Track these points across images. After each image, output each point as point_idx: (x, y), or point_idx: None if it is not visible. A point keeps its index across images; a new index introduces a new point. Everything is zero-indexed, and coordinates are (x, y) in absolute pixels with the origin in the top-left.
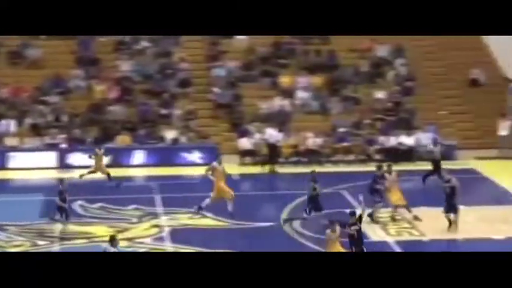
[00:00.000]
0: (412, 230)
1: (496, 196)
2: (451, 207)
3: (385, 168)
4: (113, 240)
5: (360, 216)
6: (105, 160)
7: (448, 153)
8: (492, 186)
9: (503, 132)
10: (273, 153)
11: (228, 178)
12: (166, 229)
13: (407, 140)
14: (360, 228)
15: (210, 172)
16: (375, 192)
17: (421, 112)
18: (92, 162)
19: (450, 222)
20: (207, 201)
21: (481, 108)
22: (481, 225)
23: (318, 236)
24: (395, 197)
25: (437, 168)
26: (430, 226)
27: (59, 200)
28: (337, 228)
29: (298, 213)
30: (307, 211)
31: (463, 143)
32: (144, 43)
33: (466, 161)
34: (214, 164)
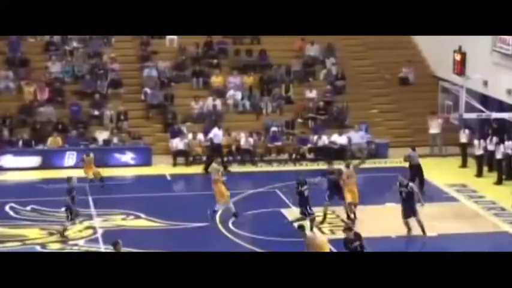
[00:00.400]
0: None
1: (428, 193)
2: (408, 212)
3: (336, 166)
4: (116, 244)
5: (359, 234)
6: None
7: (380, 152)
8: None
9: (433, 130)
10: (217, 153)
11: (161, 179)
12: (100, 231)
13: (340, 139)
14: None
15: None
16: (333, 188)
17: (353, 111)
18: None
19: (409, 228)
20: (232, 208)
21: (411, 106)
22: (413, 222)
23: (253, 235)
24: (351, 194)
25: (419, 172)
26: (365, 224)
27: (68, 199)
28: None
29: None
30: (307, 212)
31: (394, 141)
32: (74, 43)
33: (398, 159)
34: (216, 165)
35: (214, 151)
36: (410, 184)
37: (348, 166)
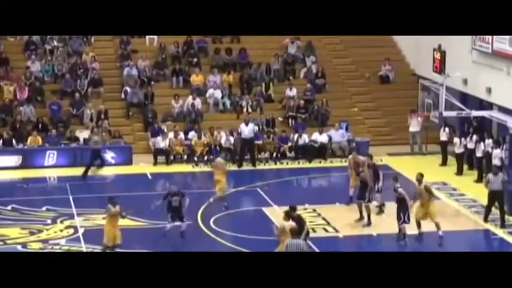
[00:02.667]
0: (327, 227)
1: (408, 192)
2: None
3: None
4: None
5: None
6: None
7: (360, 150)
8: (404, 182)
9: (413, 128)
10: (246, 148)
11: (142, 178)
12: (81, 230)
13: (320, 137)
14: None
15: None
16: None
17: (333, 109)
18: None
19: (404, 232)
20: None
21: (391, 104)
22: (394, 220)
23: (234, 234)
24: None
25: (499, 199)
26: (345, 223)
27: None
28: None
29: (215, 211)
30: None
31: (375, 140)
32: (53, 43)
33: (378, 157)
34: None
35: (244, 146)
36: (400, 190)
37: (419, 181)
